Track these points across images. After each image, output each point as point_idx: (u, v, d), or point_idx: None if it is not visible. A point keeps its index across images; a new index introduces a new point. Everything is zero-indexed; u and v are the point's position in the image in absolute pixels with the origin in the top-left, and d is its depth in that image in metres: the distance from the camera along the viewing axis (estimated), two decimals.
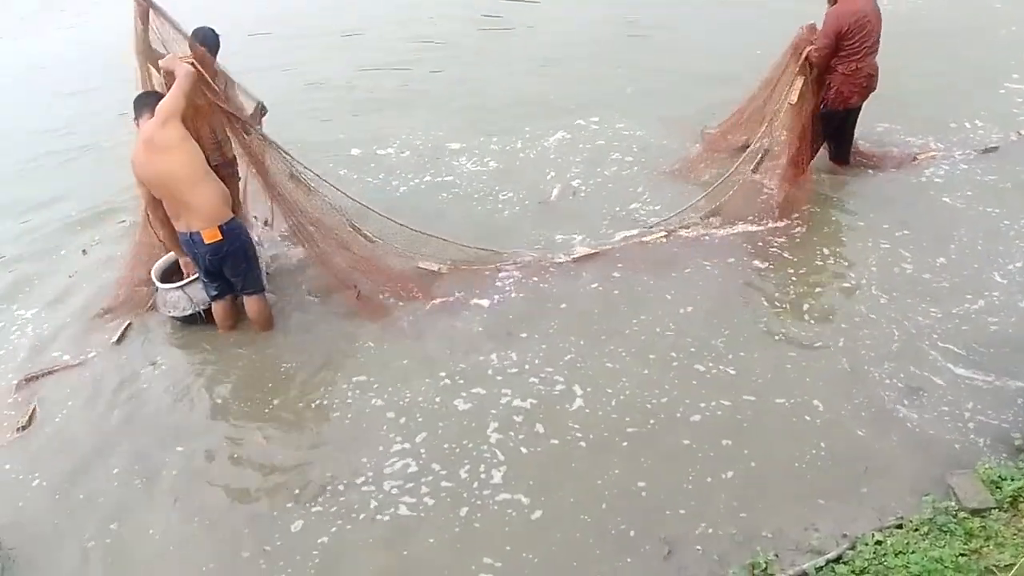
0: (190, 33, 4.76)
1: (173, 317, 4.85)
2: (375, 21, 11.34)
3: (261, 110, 5.11)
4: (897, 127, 6.54)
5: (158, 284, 4.83)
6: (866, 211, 5.49)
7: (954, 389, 3.90)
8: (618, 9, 10.52)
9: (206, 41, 4.73)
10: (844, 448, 3.63)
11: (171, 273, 4.92)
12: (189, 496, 3.76)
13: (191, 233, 4.33)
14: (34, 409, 4.41)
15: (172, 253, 4.89)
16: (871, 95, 5.68)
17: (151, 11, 4.72)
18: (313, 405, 4.25)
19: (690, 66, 8.17)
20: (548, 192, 6.09)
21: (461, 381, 4.30)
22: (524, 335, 4.61)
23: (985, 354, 4.10)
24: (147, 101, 4.36)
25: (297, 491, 3.72)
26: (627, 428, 3.88)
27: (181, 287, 4.75)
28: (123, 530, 3.62)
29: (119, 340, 4.88)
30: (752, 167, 5.57)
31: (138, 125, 4.37)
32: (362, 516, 3.57)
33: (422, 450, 3.88)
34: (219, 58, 4.78)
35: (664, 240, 5.35)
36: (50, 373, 4.70)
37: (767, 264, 5.06)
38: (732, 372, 4.17)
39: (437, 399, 4.18)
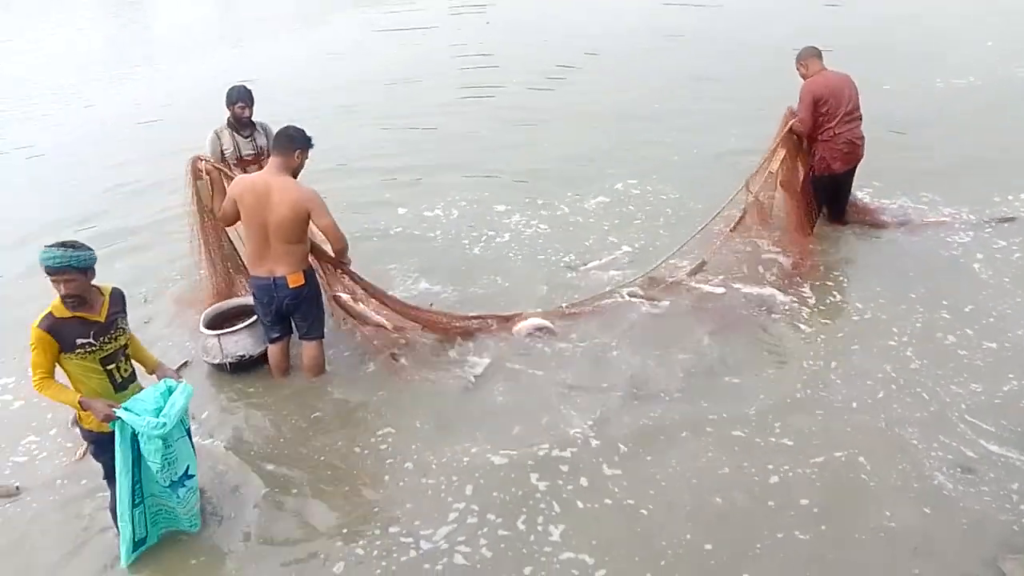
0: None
1: (207, 362, 4.99)
2: (416, 80, 11.79)
3: None
4: (938, 197, 6.67)
5: (201, 329, 4.94)
6: (889, 277, 5.60)
7: (1001, 468, 3.88)
8: (676, 75, 10.79)
9: (242, 98, 5.32)
10: (897, 521, 3.62)
11: (221, 321, 5.06)
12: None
13: (274, 278, 4.43)
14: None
15: (222, 303, 5.10)
16: (860, 162, 6.00)
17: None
18: (354, 457, 4.30)
19: (744, 132, 8.17)
20: (591, 259, 6.17)
21: (497, 436, 4.36)
22: (542, 390, 4.70)
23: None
24: (287, 143, 4.34)
25: (340, 540, 3.75)
26: (682, 488, 3.91)
27: (217, 336, 4.85)
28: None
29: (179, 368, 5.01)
30: (731, 227, 5.80)
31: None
32: (404, 558, 3.61)
33: (474, 505, 3.89)
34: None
35: (658, 297, 5.50)
36: None
37: (794, 325, 5.18)
38: (788, 442, 4.17)
39: (474, 450, 4.25)
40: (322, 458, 4.29)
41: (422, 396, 4.73)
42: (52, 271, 3.18)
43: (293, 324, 4.76)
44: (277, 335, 4.76)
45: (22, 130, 11.39)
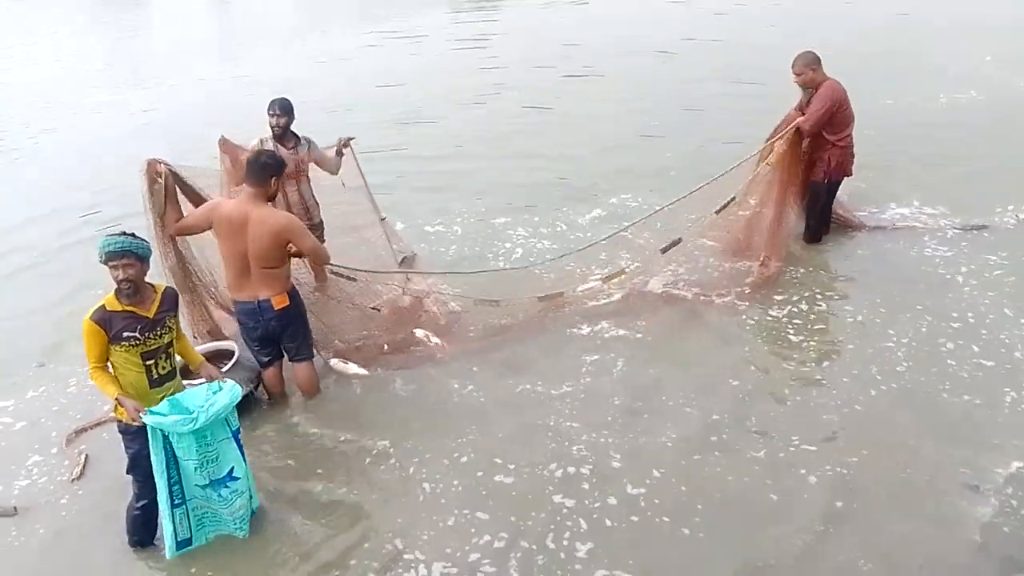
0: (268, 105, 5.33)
1: None
2: (411, 101, 11.79)
3: (344, 143, 5.60)
4: (927, 207, 6.78)
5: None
6: (874, 284, 5.69)
7: (1005, 482, 3.85)
8: (674, 91, 10.87)
9: (272, 106, 5.32)
10: (900, 536, 3.60)
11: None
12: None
13: (259, 301, 4.43)
14: (85, 460, 4.51)
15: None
16: None
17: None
18: (360, 477, 4.28)
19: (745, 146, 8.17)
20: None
21: (503, 449, 4.35)
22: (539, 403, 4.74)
23: None
24: (262, 172, 4.31)
25: (355, 560, 3.74)
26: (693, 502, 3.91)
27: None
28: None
29: None
30: (718, 209, 5.74)
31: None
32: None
33: (504, 532, 3.84)
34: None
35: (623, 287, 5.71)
36: (98, 425, 4.82)
37: (781, 334, 5.27)
38: (795, 450, 4.19)
39: (479, 470, 4.23)
40: (328, 483, 4.24)
41: (414, 411, 4.76)
42: (113, 255, 3.39)
43: (282, 347, 4.75)
44: (268, 359, 4.75)
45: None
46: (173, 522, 3.62)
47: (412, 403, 4.84)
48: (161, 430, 3.41)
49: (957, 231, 6.36)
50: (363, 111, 11.08)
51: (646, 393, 4.73)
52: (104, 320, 3.44)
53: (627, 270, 5.81)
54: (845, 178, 6.07)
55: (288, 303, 4.49)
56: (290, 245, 4.38)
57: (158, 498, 3.58)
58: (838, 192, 6.24)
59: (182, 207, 4.64)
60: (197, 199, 4.73)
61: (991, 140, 8.23)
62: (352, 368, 5.11)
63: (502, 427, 4.55)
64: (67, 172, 9.90)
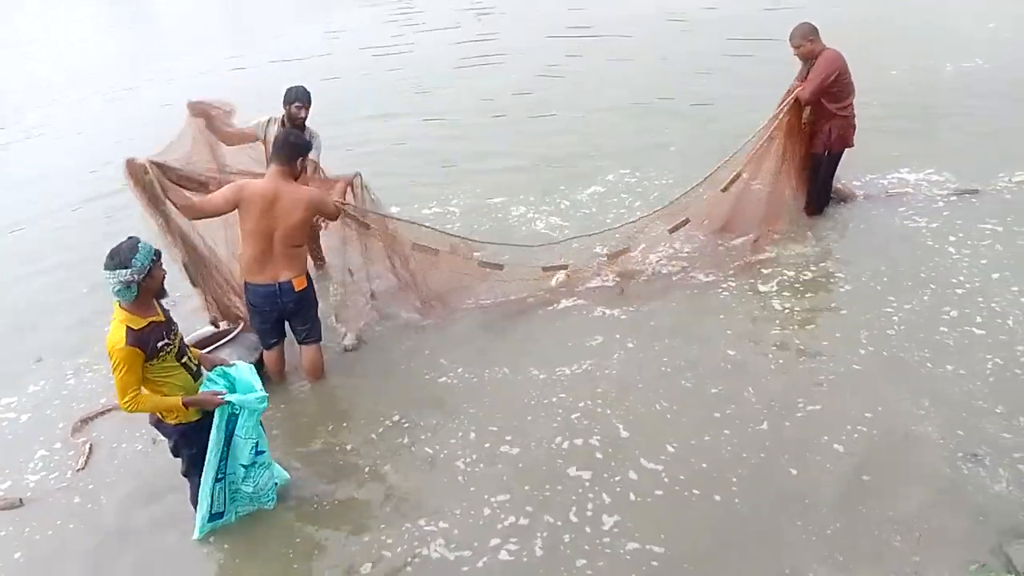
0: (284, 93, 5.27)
1: None
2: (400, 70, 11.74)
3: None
4: (924, 174, 6.76)
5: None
6: (865, 255, 5.67)
7: (1003, 450, 3.82)
8: (677, 65, 10.74)
9: (300, 98, 5.24)
10: (898, 507, 3.59)
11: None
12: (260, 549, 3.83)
13: (279, 283, 4.43)
14: (89, 450, 4.54)
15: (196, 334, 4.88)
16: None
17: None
18: (373, 453, 4.32)
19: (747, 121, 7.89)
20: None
21: (511, 424, 4.37)
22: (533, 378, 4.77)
23: None
24: (292, 152, 4.37)
25: (369, 536, 3.77)
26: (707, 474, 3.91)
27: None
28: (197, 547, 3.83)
29: None
30: (723, 188, 5.75)
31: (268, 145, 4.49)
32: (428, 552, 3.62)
33: (528, 506, 3.85)
34: None
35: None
36: (101, 414, 4.85)
37: (772, 306, 5.25)
38: (794, 427, 4.16)
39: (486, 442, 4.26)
40: (343, 458, 4.30)
41: (419, 388, 4.80)
42: (158, 257, 3.35)
43: (291, 329, 4.77)
44: (275, 340, 4.78)
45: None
46: (212, 496, 3.69)
47: (410, 383, 4.86)
48: (230, 410, 3.50)
49: (951, 197, 6.34)
50: (359, 81, 11.10)
51: (640, 369, 4.72)
52: (140, 341, 3.32)
53: (631, 251, 5.79)
54: (846, 149, 5.99)
55: (306, 285, 4.55)
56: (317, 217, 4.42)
57: (205, 470, 3.60)
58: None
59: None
60: (193, 183, 4.59)
61: (995, 107, 8.12)
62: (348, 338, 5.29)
63: (500, 402, 4.58)
64: (60, 162, 9.94)
